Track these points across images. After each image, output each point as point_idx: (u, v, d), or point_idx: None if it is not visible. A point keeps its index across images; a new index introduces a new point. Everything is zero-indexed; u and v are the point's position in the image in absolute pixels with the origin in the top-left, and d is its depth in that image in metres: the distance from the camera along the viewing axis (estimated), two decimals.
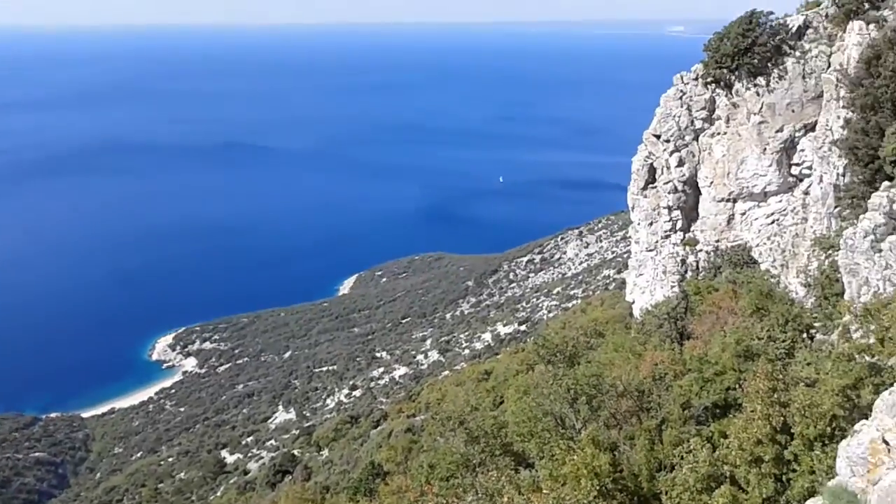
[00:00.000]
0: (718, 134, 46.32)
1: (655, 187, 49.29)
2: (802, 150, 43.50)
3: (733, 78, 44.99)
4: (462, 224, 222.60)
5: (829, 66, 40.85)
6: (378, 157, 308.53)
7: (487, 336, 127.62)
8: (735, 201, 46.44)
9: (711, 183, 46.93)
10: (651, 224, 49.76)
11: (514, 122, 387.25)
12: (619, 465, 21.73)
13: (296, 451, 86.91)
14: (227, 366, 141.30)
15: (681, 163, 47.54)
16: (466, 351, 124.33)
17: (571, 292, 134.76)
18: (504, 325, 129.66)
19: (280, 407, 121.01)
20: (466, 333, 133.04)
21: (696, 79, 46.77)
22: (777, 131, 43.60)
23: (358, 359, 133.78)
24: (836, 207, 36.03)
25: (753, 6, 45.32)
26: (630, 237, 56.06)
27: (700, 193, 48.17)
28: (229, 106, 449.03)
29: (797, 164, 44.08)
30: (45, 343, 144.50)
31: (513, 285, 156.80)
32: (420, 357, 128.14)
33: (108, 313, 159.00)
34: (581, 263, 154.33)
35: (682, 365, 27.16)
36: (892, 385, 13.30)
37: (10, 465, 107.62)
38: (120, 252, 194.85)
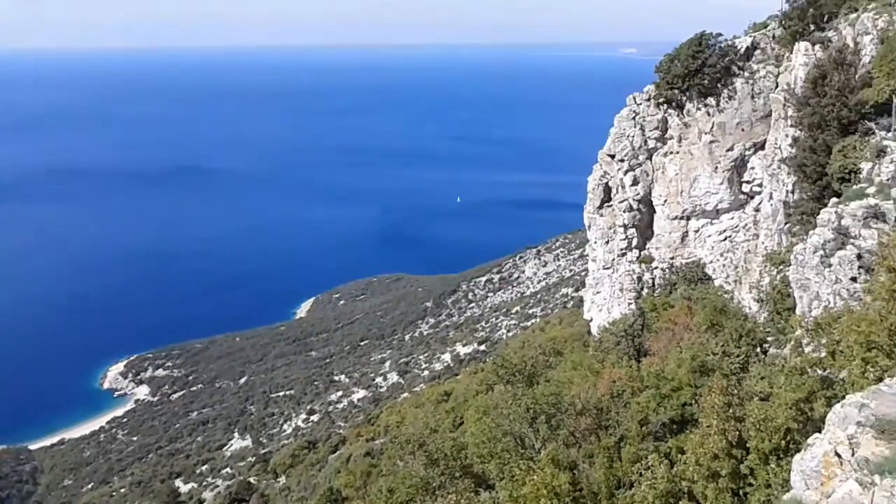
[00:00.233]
0: (671, 153, 47.09)
1: (611, 206, 49.85)
2: (753, 168, 44.46)
3: (684, 98, 45.86)
4: (420, 245, 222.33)
5: (777, 86, 41.87)
6: (334, 180, 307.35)
7: (447, 357, 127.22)
8: (688, 219, 47.18)
9: (665, 201, 47.62)
10: (607, 242, 50.24)
11: (470, 143, 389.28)
12: (579, 484, 21.62)
13: (252, 479, 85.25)
14: (180, 393, 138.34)
15: (635, 182, 48.16)
16: (426, 372, 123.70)
17: (530, 311, 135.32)
18: (463, 346, 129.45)
19: (236, 434, 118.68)
20: (426, 354, 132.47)
21: (649, 99, 47.59)
22: (728, 150, 44.51)
23: (315, 383, 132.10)
24: (786, 224, 36.73)
25: (703, 28, 46.39)
26: (587, 255, 56.53)
27: (654, 211, 48.85)
28: (179, 130, 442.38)
29: (748, 182, 45.01)
30: None
31: (472, 305, 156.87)
32: (379, 379, 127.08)
33: (58, 341, 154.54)
34: (539, 282, 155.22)
35: (639, 381, 27.27)
36: (843, 398, 13.43)
37: None
38: (69, 279, 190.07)
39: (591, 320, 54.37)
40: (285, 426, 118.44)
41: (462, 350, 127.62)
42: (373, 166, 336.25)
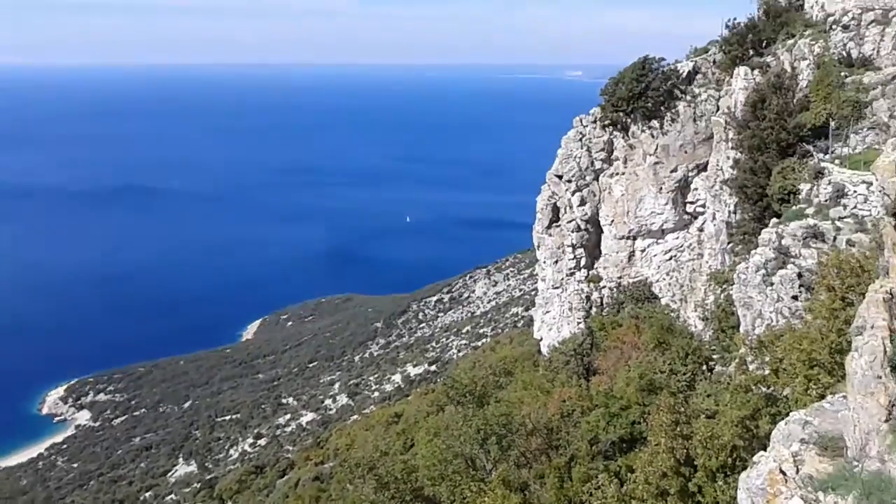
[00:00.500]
0: (617, 174, 47.90)
1: (559, 226, 50.37)
2: (696, 189, 45.46)
3: (629, 121, 46.75)
4: (370, 264, 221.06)
5: (718, 109, 43.00)
6: (281, 200, 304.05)
7: (397, 378, 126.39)
8: (635, 238, 47.94)
9: (612, 221, 48.34)
10: (556, 262, 50.69)
11: (418, 163, 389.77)
12: None
13: None
14: (123, 418, 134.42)
15: (583, 202, 48.79)
16: (376, 393, 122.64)
17: (481, 331, 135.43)
18: (414, 366, 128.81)
19: (180, 459, 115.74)
20: (376, 376, 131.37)
21: (595, 121, 48.37)
22: (672, 171, 45.45)
23: (263, 406, 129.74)
24: (728, 243, 37.56)
25: (646, 52, 47.44)
26: (537, 275, 56.94)
27: (602, 231, 49.52)
28: (123, 148, 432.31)
29: (692, 203, 45.98)
30: None
31: (422, 325, 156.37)
32: (328, 402, 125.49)
33: None
34: (490, 302, 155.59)
35: (588, 400, 27.45)
36: (787, 415, 13.68)
37: None
38: (7, 300, 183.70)
39: (542, 339, 54.66)
40: (231, 451, 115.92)
41: (413, 371, 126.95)
42: (321, 185, 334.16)
